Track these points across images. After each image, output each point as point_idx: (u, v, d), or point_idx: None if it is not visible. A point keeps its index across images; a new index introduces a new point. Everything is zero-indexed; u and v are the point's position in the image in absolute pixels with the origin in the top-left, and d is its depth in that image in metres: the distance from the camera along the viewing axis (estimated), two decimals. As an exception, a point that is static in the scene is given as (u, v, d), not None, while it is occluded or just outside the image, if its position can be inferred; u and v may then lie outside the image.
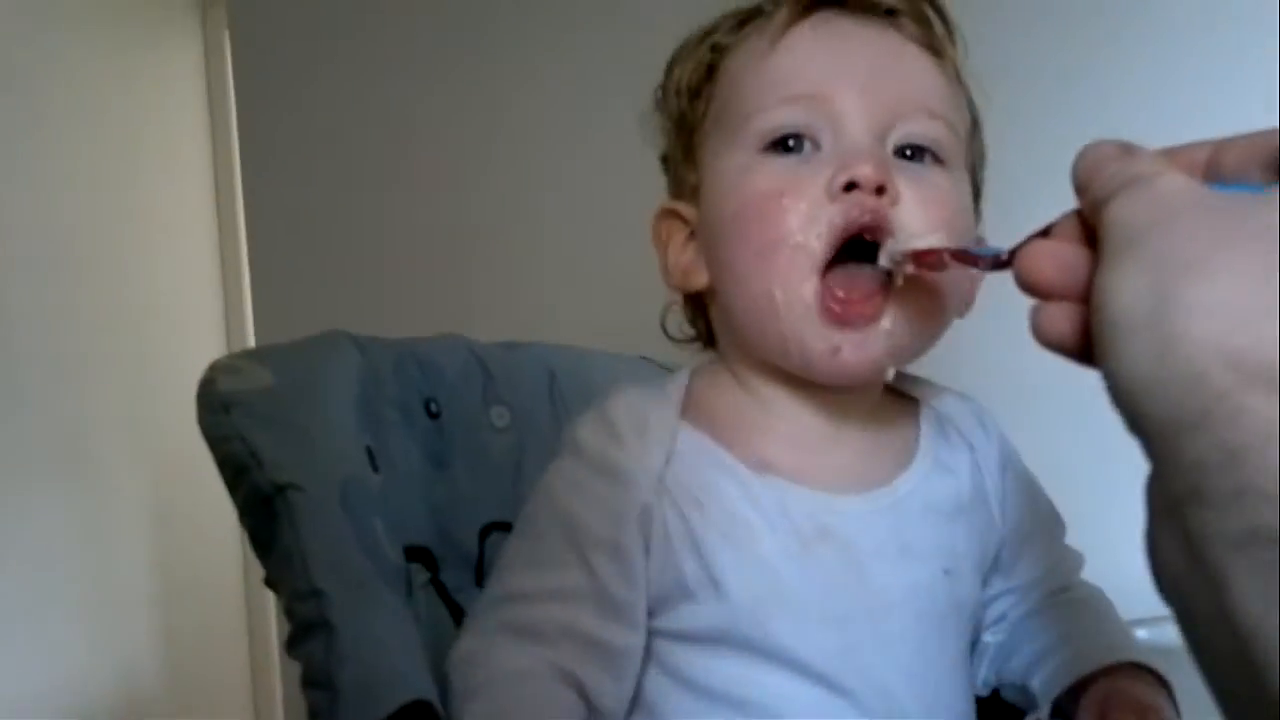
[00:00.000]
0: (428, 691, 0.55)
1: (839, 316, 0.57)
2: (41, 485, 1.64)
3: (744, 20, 0.63)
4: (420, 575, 0.72)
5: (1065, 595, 0.69)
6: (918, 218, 0.57)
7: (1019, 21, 1.27)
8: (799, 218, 0.57)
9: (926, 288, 0.57)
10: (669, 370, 0.93)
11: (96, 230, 1.77)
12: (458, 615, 0.73)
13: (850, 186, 0.56)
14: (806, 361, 0.58)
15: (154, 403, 1.72)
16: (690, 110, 0.64)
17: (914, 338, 0.59)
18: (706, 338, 0.69)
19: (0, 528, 1.58)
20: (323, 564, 0.54)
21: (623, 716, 0.60)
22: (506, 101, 1.53)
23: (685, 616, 0.59)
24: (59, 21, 1.72)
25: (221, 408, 0.57)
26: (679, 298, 0.68)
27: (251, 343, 1.84)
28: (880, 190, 0.56)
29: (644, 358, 0.93)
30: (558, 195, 1.50)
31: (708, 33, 0.65)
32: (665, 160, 0.69)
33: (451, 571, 0.75)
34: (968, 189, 0.62)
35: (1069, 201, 0.38)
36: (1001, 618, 0.69)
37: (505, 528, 0.80)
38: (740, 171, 0.60)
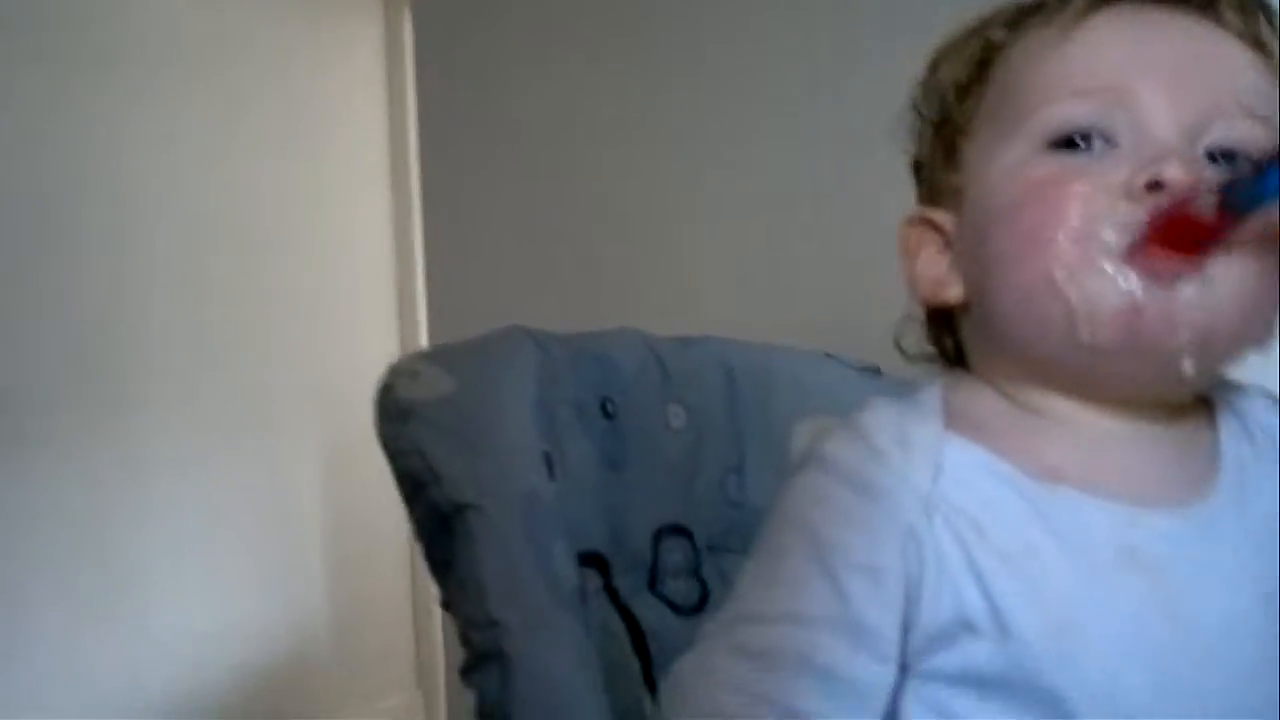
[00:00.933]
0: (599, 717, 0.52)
1: (1143, 256, 0.49)
2: (224, 446, 1.71)
3: (1023, 13, 0.57)
4: (593, 581, 0.70)
5: None
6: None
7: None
8: (1088, 207, 0.50)
9: (1253, 265, 0.49)
10: (853, 368, 0.88)
11: (281, 209, 1.83)
12: (630, 623, 0.72)
13: (1154, 187, 0.49)
14: (1093, 325, 0.50)
15: (328, 373, 1.77)
16: (957, 110, 0.58)
17: (1231, 318, 0.50)
18: (953, 356, 0.62)
19: (183, 483, 1.65)
20: (501, 593, 0.52)
21: None
22: (687, 91, 1.49)
23: (965, 655, 0.52)
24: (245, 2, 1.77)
25: (400, 417, 0.55)
26: (918, 311, 0.61)
27: (422, 320, 1.86)
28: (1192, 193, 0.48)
29: (827, 354, 0.88)
30: (734, 186, 1.45)
31: (980, 28, 0.58)
32: (918, 167, 0.63)
33: (623, 576, 0.73)
34: None
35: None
36: None
37: (680, 531, 0.78)
38: (1018, 165, 0.53)
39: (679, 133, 1.50)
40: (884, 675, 0.52)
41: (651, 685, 0.69)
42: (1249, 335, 0.52)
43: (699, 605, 0.76)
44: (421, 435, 0.55)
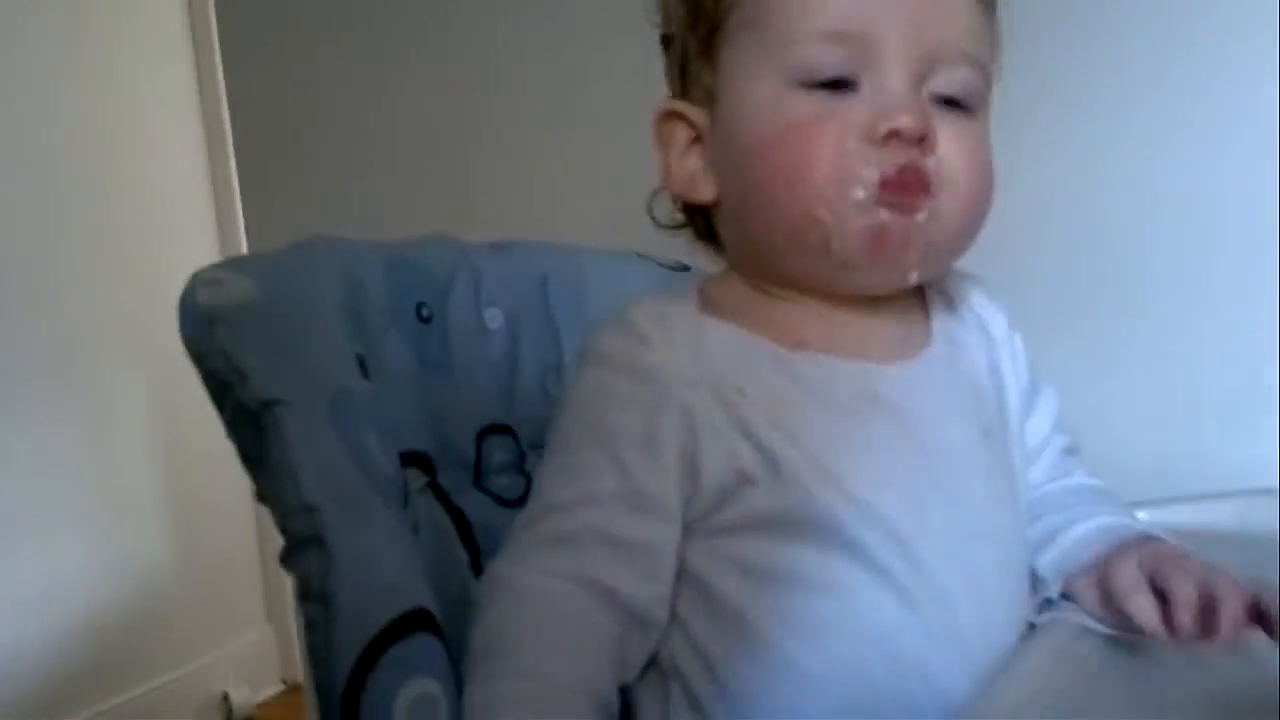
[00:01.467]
0: (425, 600, 0.55)
1: (897, 194, 0.57)
2: (41, 395, 1.65)
3: None
4: (417, 480, 0.72)
5: (1066, 481, 0.70)
6: (955, 170, 0.58)
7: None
8: (839, 152, 0.57)
9: (966, 189, 0.59)
10: (663, 266, 0.92)
11: (81, 138, 1.74)
12: (457, 517, 0.74)
13: (891, 134, 0.57)
14: (846, 246, 0.58)
15: (152, 308, 1.71)
16: (713, 7, 0.62)
17: (949, 241, 0.61)
18: (704, 233, 0.69)
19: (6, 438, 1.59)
20: (313, 479, 0.54)
21: (664, 616, 0.60)
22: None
23: (747, 504, 0.59)
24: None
25: (202, 322, 0.56)
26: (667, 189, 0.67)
27: (244, 244, 1.82)
28: (921, 139, 0.57)
29: (638, 254, 0.92)
30: (543, 91, 1.47)
31: None
32: (667, 41, 0.67)
33: (449, 474, 0.75)
34: (989, 130, 0.62)
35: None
36: None
37: (502, 429, 0.81)
38: (772, 102, 0.59)
39: (486, 41, 1.50)
40: (670, 536, 0.60)
41: (479, 572, 0.72)
42: (960, 251, 0.63)
43: (524, 497, 0.78)
44: (225, 337, 0.55)
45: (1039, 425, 0.70)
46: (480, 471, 0.78)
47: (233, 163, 1.79)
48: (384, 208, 1.45)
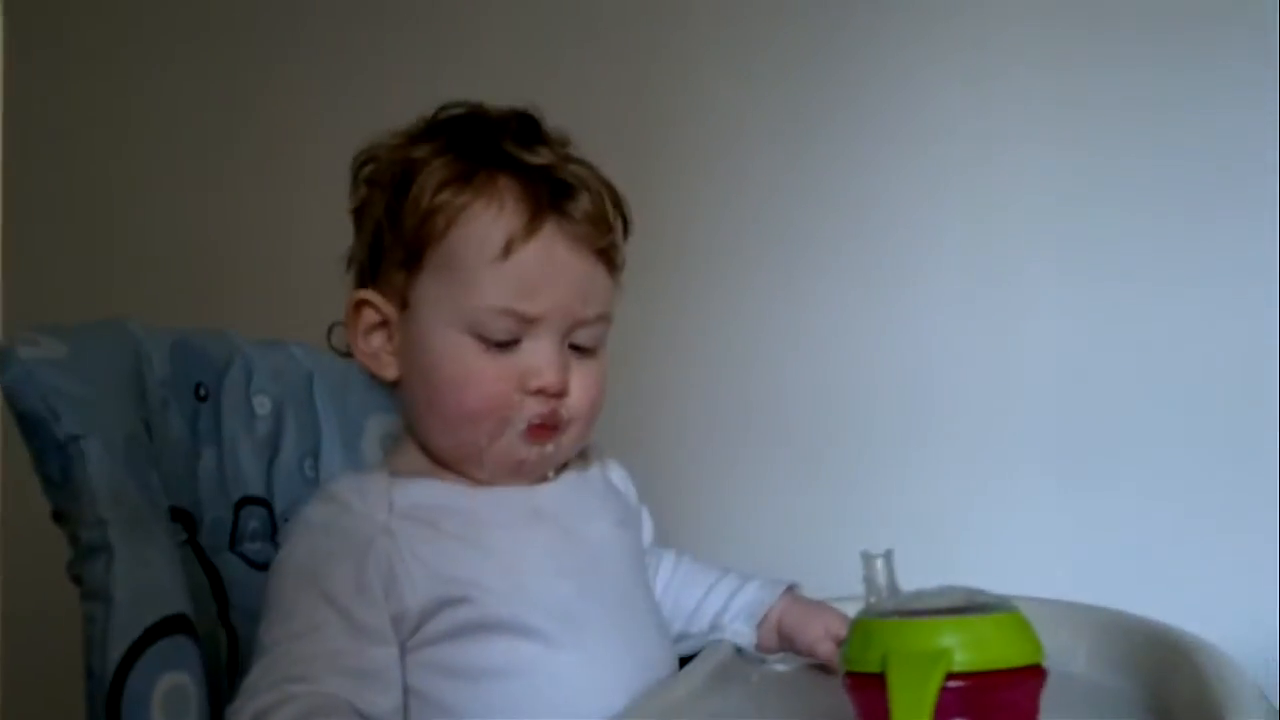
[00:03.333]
0: (186, 608, 0.67)
1: (536, 436, 0.77)
2: None
3: (471, 177, 0.76)
4: (179, 535, 0.83)
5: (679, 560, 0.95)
6: (580, 405, 0.78)
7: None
8: (503, 401, 0.76)
9: (584, 418, 0.80)
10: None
11: None
12: (210, 572, 0.85)
13: (539, 390, 0.76)
14: (491, 474, 0.79)
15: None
16: (414, 236, 0.76)
17: (567, 454, 0.82)
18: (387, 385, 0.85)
19: None
20: (106, 498, 0.66)
21: (401, 716, 0.71)
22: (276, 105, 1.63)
23: (450, 619, 0.72)
24: None
25: (23, 370, 0.67)
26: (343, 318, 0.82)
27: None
28: (560, 394, 0.77)
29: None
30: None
31: (441, 183, 0.76)
32: (359, 217, 0.81)
33: (208, 535, 0.86)
34: (607, 356, 0.82)
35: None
36: None
37: (258, 502, 0.92)
38: (455, 345, 0.76)
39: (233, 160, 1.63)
40: (391, 654, 0.71)
41: (226, 624, 0.84)
42: (574, 453, 0.84)
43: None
44: (43, 383, 0.67)
45: (646, 525, 0.94)
46: (235, 536, 0.89)
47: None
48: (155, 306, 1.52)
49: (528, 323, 0.75)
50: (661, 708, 0.72)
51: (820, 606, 0.89)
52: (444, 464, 0.80)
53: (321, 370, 0.99)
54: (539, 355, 0.76)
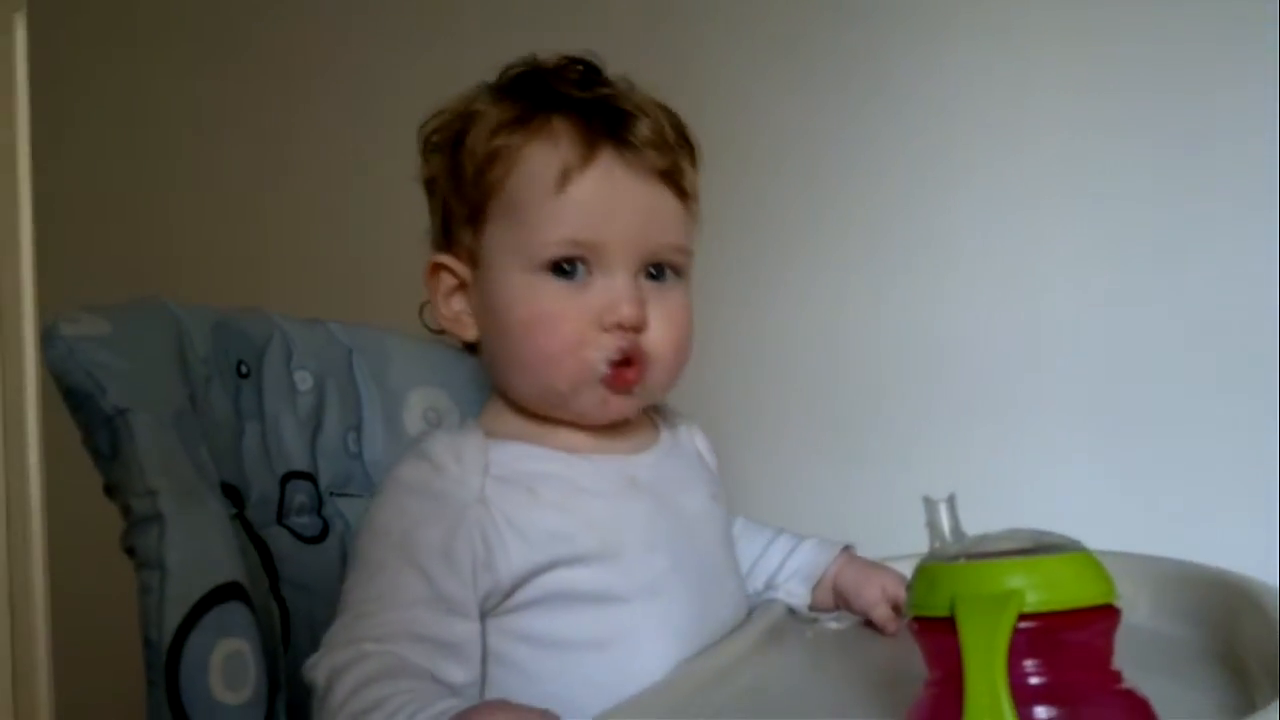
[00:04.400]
0: (241, 576, 0.67)
1: (620, 383, 0.75)
2: None
3: (526, 120, 0.75)
4: (230, 509, 0.83)
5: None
6: (663, 339, 0.76)
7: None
8: (577, 339, 0.74)
9: (670, 354, 0.77)
10: (455, 348, 1.07)
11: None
12: (260, 546, 0.85)
13: (615, 324, 0.74)
14: (581, 414, 0.77)
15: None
16: (475, 188, 0.76)
17: (657, 393, 0.80)
18: (474, 351, 0.85)
19: None
20: (156, 469, 0.66)
21: (478, 689, 0.70)
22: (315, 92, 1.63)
23: (543, 586, 0.72)
24: None
25: (66, 347, 0.67)
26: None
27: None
28: (638, 328, 0.74)
29: (437, 339, 1.06)
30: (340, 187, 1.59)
31: (495, 127, 0.76)
32: (430, 187, 0.82)
33: (255, 510, 0.86)
34: (690, 287, 0.81)
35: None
36: None
37: (305, 476, 0.92)
38: (525, 285, 0.74)
39: (286, 141, 1.63)
40: (472, 629, 0.70)
41: (277, 597, 0.84)
42: (668, 390, 0.81)
43: (320, 536, 0.90)
44: (88, 359, 0.67)
45: None
46: (282, 510, 0.89)
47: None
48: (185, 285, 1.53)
49: (595, 254, 0.74)
50: (717, 666, 0.71)
51: (877, 567, 0.88)
52: (535, 419, 0.79)
53: (360, 346, 0.99)
54: (613, 289, 0.74)
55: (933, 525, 0.55)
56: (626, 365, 0.75)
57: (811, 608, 0.88)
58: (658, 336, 0.76)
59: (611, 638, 0.72)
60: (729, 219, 1.43)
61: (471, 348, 0.84)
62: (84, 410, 0.67)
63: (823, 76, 1.42)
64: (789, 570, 0.89)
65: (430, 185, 0.82)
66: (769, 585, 0.89)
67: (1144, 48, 1.28)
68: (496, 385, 0.82)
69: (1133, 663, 0.51)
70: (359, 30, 1.61)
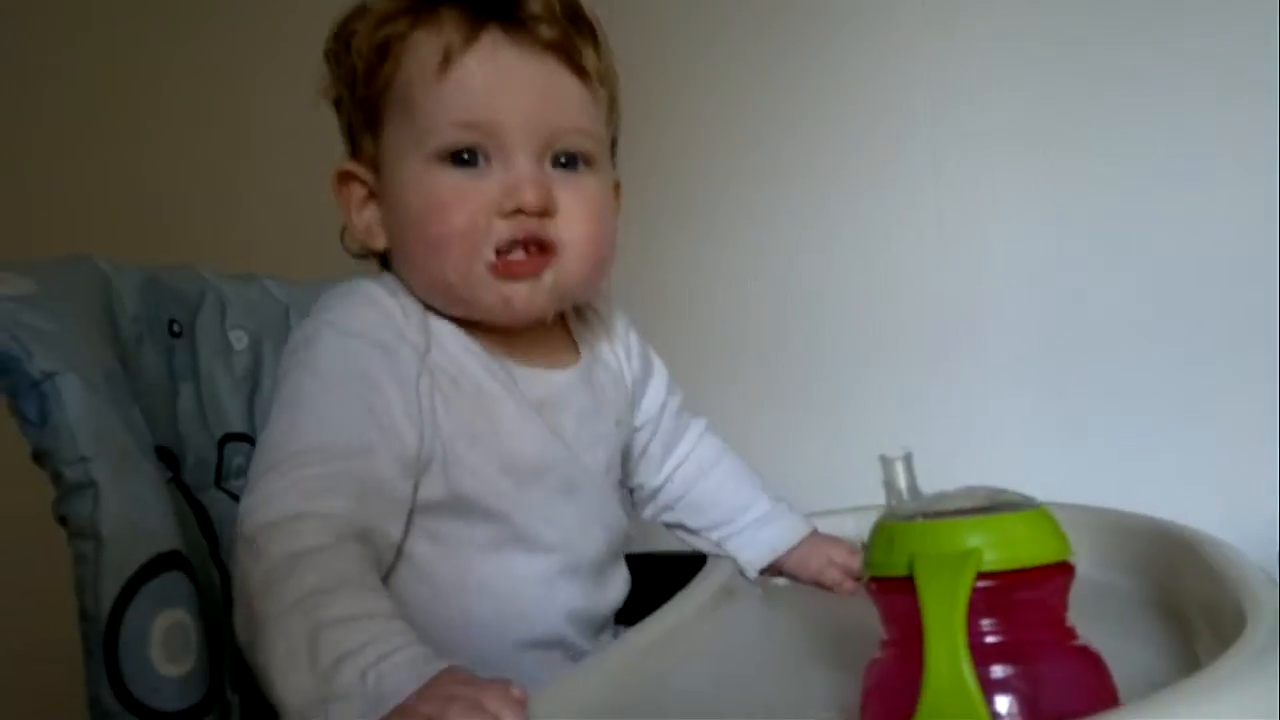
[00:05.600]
0: (178, 544, 0.65)
1: (507, 272, 0.71)
2: None
3: (412, 8, 0.72)
4: (165, 473, 0.80)
5: (719, 464, 0.92)
6: (573, 226, 0.72)
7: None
8: (469, 220, 0.70)
9: (585, 243, 0.73)
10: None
11: None
12: (198, 510, 0.82)
13: (516, 210, 0.70)
14: (487, 313, 0.74)
15: None
16: (366, 88, 0.73)
17: (574, 288, 0.75)
18: (388, 267, 0.80)
19: None
20: (88, 434, 0.63)
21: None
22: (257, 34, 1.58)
23: (440, 483, 0.71)
24: None
25: (-11, 308, 0.64)
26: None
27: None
28: (542, 212, 0.71)
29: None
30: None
31: (381, 18, 0.73)
32: (338, 105, 0.78)
33: (192, 473, 0.83)
34: (609, 180, 0.78)
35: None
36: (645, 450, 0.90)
37: (242, 438, 0.90)
38: (419, 177, 0.71)
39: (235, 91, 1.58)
40: (410, 491, 0.70)
41: (217, 562, 0.82)
42: (589, 289, 0.78)
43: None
44: (12, 320, 0.64)
45: (655, 392, 0.89)
46: (220, 473, 0.86)
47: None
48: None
49: (492, 138, 0.70)
50: (667, 625, 0.71)
51: (821, 540, 0.88)
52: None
53: (298, 303, 0.96)
54: (511, 171, 0.70)
55: (889, 484, 0.55)
56: (524, 252, 0.71)
57: (761, 572, 0.88)
58: (568, 223, 0.72)
59: (501, 548, 0.73)
60: (679, 173, 1.41)
61: (388, 265, 0.80)
62: (10, 375, 0.63)
63: (771, 34, 1.40)
64: (752, 543, 0.88)
65: (337, 103, 0.78)
66: (721, 542, 0.89)
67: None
68: (411, 284, 0.77)
69: (1075, 614, 0.52)
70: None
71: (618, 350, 0.87)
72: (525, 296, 0.72)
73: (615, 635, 0.82)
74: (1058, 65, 1.31)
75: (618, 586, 0.82)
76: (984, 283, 1.34)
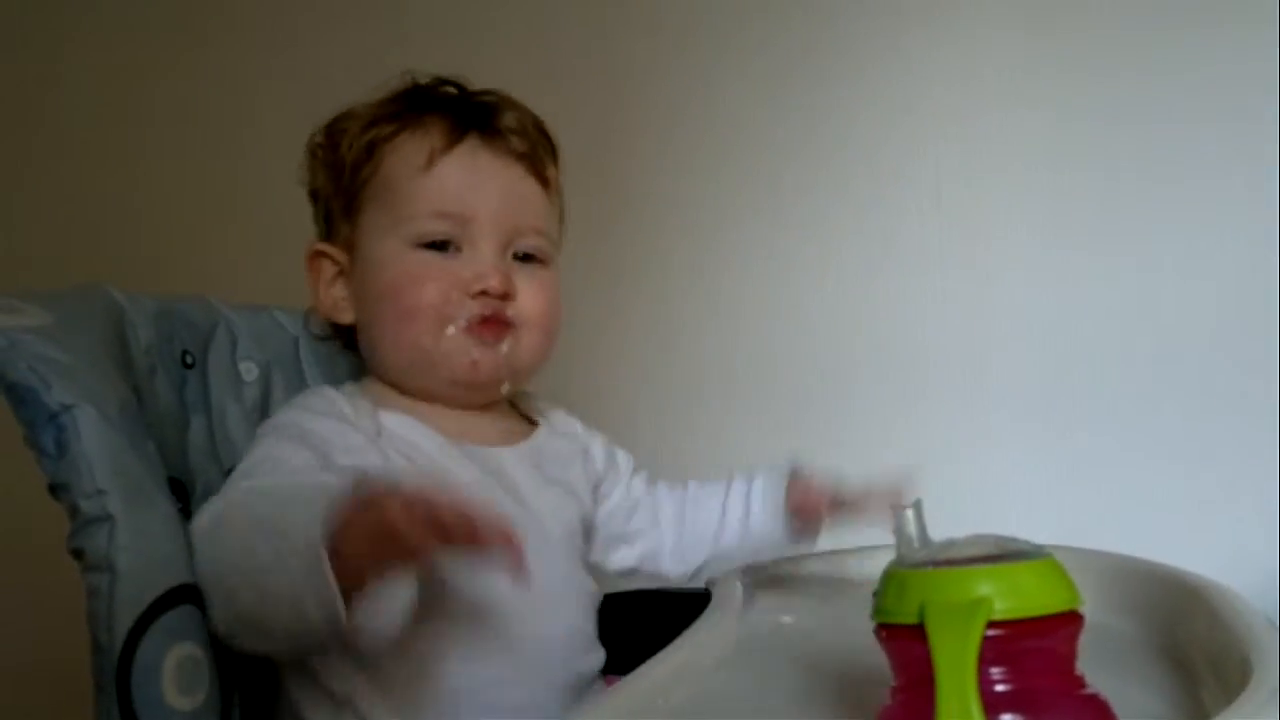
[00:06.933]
0: (192, 577, 0.65)
1: (477, 332, 0.80)
2: None
3: (399, 116, 0.83)
4: (176, 504, 0.81)
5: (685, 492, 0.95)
6: (531, 311, 0.82)
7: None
8: (443, 300, 0.80)
9: (538, 324, 0.83)
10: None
11: None
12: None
13: (483, 292, 0.80)
14: (451, 376, 0.81)
15: None
16: (351, 180, 0.83)
17: (527, 358, 0.84)
18: (350, 346, 0.89)
19: None
20: (105, 468, 0.64)
21: None
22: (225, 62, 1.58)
23: None
24: None
25: (6, 340, 0.65)
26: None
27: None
28: (504, 295, 0.80)
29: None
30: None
31: (373, 118, 0.84)
32: (315, 196, 0.88)
33: (201, 504, 0.83)
34: (558, 273, 0.87)
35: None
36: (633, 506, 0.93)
37: (252, 469, 0.90)
38: (396, 256, 0.81)
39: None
40: None
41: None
42: (538, 366, 0.86)
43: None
44: (30, 352, 0.64)
45: (623, 474, 0.94)
46: (228, 504, 0.87)
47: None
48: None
49: (464, 229, 0.80)
50: (676, 664, 0.71)
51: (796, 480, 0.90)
52: (411, 398, 0.82)
53: (308, 335, 0.97)
54: (479, 259, 0.80)
55: (899, 531, 0.56)
56: (491, 324, 0.80)
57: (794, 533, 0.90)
58: (526, 306, 0.82)
59: (480, 616, 0.75)
60: (677, 205, 1.42)
61: (352, 345, 0.88)
62: (28, 407, 0.64)
63: (773, 62, 1.42)
64: (760, 513, 0.90)
65: (314, 194, 0.88)
66: (743, 534, 0.90)
67: (1097, 30, 1.29)
68: (373, 367, 0.86)
69: (1080, 658, 0.52)
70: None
71: (561, 429, 0.92)
72: (490, 363, 0.81)
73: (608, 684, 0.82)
74: (1062, 96, 1.32)
75: (595, 654, 0.85)
76: (987, 319, 1.34)
